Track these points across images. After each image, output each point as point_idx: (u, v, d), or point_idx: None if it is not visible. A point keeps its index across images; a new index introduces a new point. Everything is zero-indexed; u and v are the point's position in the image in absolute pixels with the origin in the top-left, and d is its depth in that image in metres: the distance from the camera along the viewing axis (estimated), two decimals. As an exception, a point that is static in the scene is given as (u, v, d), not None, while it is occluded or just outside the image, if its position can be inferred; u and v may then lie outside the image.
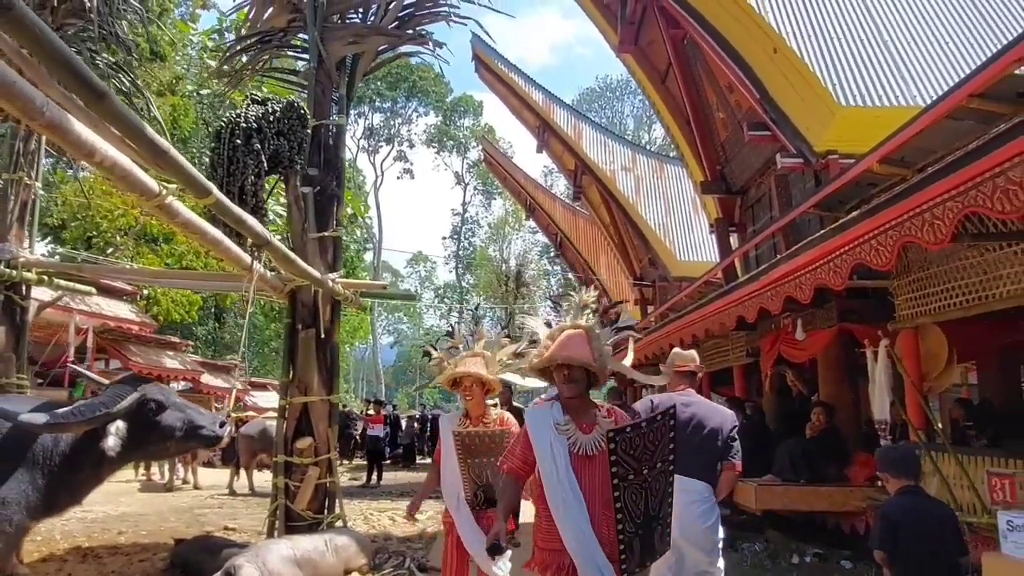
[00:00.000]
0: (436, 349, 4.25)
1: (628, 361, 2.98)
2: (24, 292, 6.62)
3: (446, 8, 7.26)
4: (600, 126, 21.80)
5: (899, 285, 5.77)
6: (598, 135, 19.27)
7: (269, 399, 24.17)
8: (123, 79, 7.08)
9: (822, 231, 4.97)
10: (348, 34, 7.03)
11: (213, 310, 26.41)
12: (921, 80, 7.83)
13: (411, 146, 47.41)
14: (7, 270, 6.31)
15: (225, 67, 7.62)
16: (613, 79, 48.97)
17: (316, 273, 5.80)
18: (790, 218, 7.46)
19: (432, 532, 8.18)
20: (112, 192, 17.56)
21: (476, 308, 35.43)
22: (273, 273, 5.88)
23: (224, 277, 6.84)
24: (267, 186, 5.76)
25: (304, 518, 6.19)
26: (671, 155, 20.47)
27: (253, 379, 25.21)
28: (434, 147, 47.77)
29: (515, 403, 8.80)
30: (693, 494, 3.87)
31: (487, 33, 9.69)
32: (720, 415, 4.17)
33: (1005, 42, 8.01)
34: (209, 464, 16.55)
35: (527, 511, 2.93)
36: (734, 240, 11.97)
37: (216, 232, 4.18)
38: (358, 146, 44.91)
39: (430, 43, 7.30)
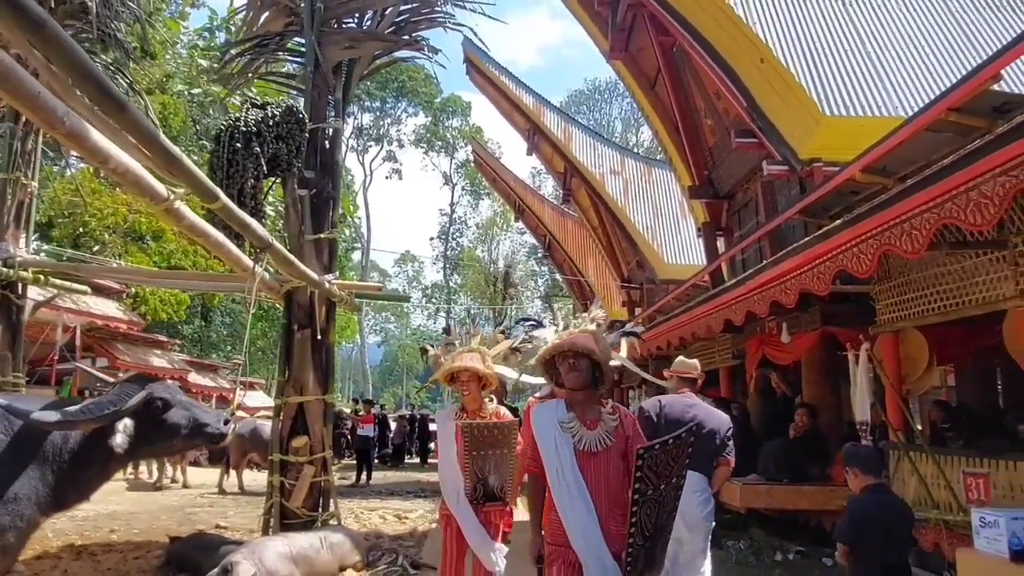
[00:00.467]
0: (432, 347, 4.35)
1: (623, 354, 3.14)
2: (20, 291, 6.67)
3: (442, 15, 7.38)
4: (589, 129, 21.99)
5: (880, 290, 5.95)
6: (587, 138, 19.46)
7: (256, 398, 24.13)
8: (120, 80, 7.13)
9: (806, 238, 5.15)
10: (345, 39, 7.13)
11: (199, 309, 26.30)
12: (903, 91, 8.05)
13: (400, 146, 47.42)
14: (4, 269, 6.35)
15: (224, 69, 7.68)
16: (602, 81, 49.20)
17: (314, 275, 5.90)
18: (775, 224, 7.65)
19: (423, 530, 8.29)
20: (101, 191, 17.50)
21: (469, 311, 35.56)
22: (270, 275, 5.97)
23: (222, 278, 6.92)
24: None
25: (299, 516, 6.28)
26: (659, 158, 20.68)
27: (240, 378, 25.11)
28: (422, 147, 47.79)
29: (508, 403, 8.91)
30: (693, 485, 4.14)
31: (479, 38, 9.83)
32: (718, 418, 4.53)
33: (985, 55, 8.28)
34: (195, 463, 16.54)
35: (522, 511, 3.04)
36: (721, 244, 12.17)
37: (219, 235, 4.28)
38: (347, 146, 44.89)
39: (426, 49, 7.42)
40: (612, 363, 3.07)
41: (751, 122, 8.38)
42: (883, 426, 6.13)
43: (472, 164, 36.34)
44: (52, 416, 3.11)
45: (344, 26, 7.41)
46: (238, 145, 5.36)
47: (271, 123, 5.58)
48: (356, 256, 43.70)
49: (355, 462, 15.39)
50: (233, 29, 19.95)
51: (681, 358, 4.96)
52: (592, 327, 2.97)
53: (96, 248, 16.98)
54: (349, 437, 16.14)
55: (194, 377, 18.94)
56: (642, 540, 2.61)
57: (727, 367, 10.00)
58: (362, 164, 46.60)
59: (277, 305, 8.07)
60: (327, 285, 6.25)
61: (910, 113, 6.74)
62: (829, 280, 4.72)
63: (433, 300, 51.47)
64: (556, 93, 79.19)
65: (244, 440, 12.39)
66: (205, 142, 21.89)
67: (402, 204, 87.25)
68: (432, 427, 22.33)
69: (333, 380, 6.94)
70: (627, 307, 20.20)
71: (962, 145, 4.48)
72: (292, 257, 5.19)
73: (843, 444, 7.36)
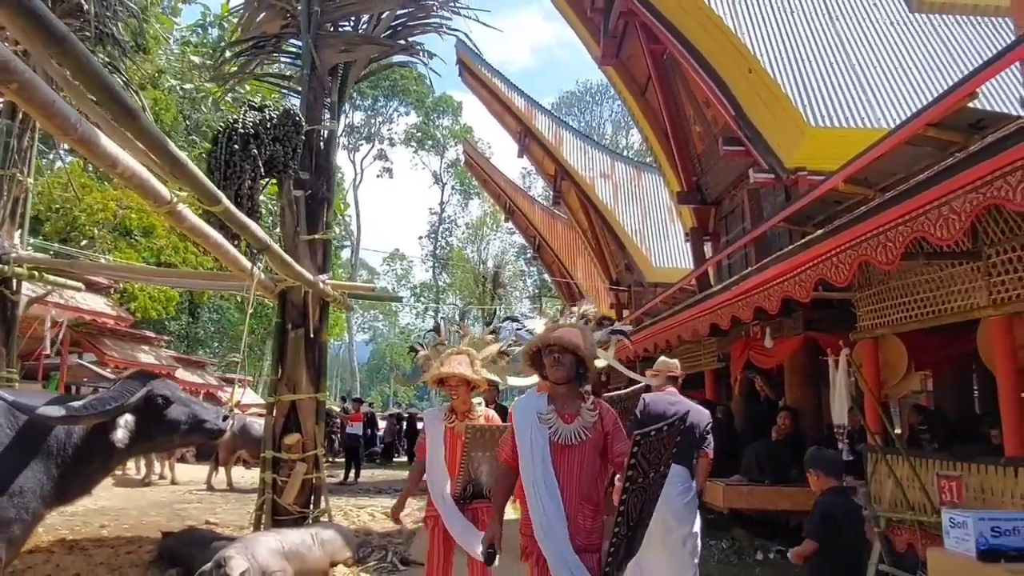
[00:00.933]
0: (422, 346, 4.34)
1: (610, 354, 3.22)
2: (15, 287, 6.71)
3: (437, 20, 7.49)
4: (580, 133, 22.17)
5: (861, 297, 6.12)
6: (578, 142, 19.64)
7: (246, 396, 24.09)
8: (117, 78, 7.19)
9: (789, 246, 5.31)
10: (341, 42, 7.22)
11: (187, 305, 26.23)
12: (887, 104, 8.27)
13: (391, 145, 47.38)
14: (-1, 265, 6.40)
15: (221, 69, 7.75)
16: (593, 83, 49.39)
17: (309, 275, 6.00)
18: (761, 231, 7.82)
19: (412, 528, 8.39)
20: (92, 185, 17.45)
21: (460, 308, 35.56)
22: (265, 274, 6.06)
23: (219, 277, 7.00)
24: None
25: (291, 512, 6.37)
26: (648, 162, 20.90)
27: (227, 375, 25.07)
28: (413, 146, 47.79)
29: (499, 403, 9.03)
30: (675, 477, 4.36)
31: (472, 41, 9.94)
32: (699, 413, 4.76)
33: (967, 70, 8.50)
34: (182, 460, 16.53)
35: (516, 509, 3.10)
36: (708, 249, 12.36)
37: (219, 236, 4.38)
38: (338, 143, 44.66)
39: (421, 54, 7.53)
40: (598, 363, 3.13)
41: (739, 130, 8.55)
42: (861, 430, 6.31)
43: (462, 164, 36.42)
44: (57, 411, 3.21)
45: (340, 29, 7.51)
46: (236, 147, 5.45)
47: (269, 125, 5.67)
48: (345, 254, 43.66)
49: (343, 460, 15.46)
50: (227, 26, 19.98)
51: (663, 358, 5.24)
52: (580, 323, 3.01)
53: (84, 243, 16.93)
54: (339, 435, 16.19)
55: (181, 373, 18.89)
56: (626, 529, 2.61)
57: (712, 370, 10.18)
58: (353, 162, 46.56)
59: (265, 302, 8.15)
60: (321, 285, 6.35)
61: (893, 125, 6.95)
62: (810, 288, 4.88)
63: (422, 299, 51.47)
64: (548, 94, 79.60)
65: (234, 437, 12.38)
66: (195, 137, 21.88)
67: (391, 202, 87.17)
68: (420, 426, 22.44)
69: (325, 378, 7.04)
70: (615, 309, 20.39)
71: (940, 159, 4.65)
72: (289, 258, 5.30)
73: (824, 446, 7.60)
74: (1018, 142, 2.84)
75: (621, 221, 18.03)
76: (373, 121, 46.61)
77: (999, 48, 6.56)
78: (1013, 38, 4.73)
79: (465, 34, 7.86)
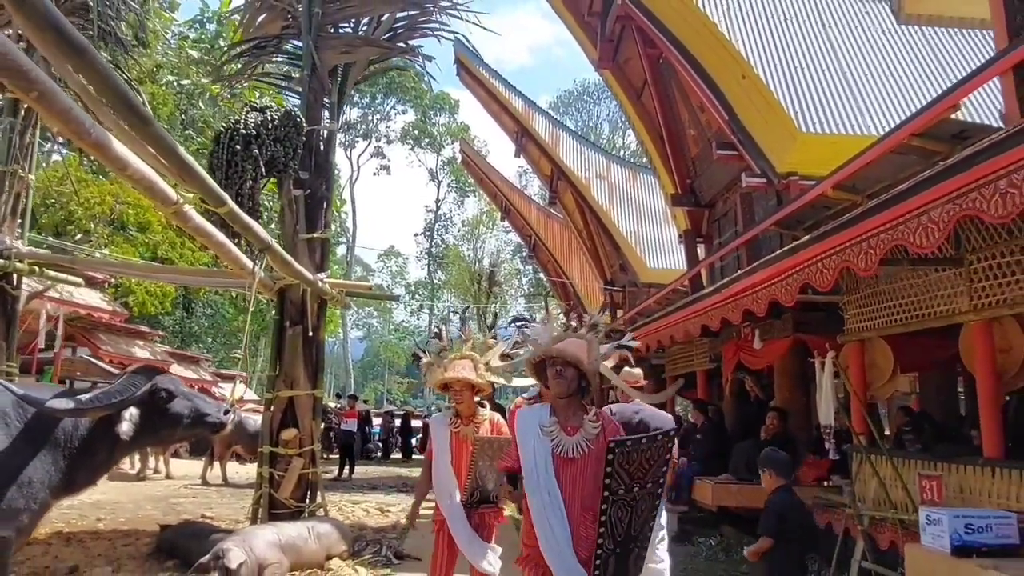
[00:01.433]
0: (423, 351, 4.33)
1: (610, 363, 3.15)
2: (15, 282, 6.80)
3: (437, 24, 7.61)
4: (576, 134, 22.31)
5: (848, 301, 6.27)
6: (574, 142, 19.77)
7: (237, 391, 24.09)
8: (119, 76, 7.27)
9: (777, 252, 5.44)
10: (341, 44, 7.33)
11: (181, 300, 26.24)
12: (876, 111, 8.42)
13: (388, 142, 47.41)
14: (0, 260, 6.48)
15: (222, 69, 7.85)
16: (590, 83, 49.46)
17: (308, 274, 6.11)
18: (752, 234, 7.97)
19: (405, 524, 8.50)
20: (88, 180, 17.48)
21: (464, 311, 35.53)
22: (265, 273, 6.16)
23: (219, 274, 7.09)
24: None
25: (287, 506, 6.49)
26: (644, 162, 21.04)
27: (221, 371, 25.12)
28: (409, 143, 47.82)
29: (497, 401, 9.14)
30: None
31: (470, 44, 10.04)
32: (662, 419, 4.83)
33: (955, 78, 8.66)
34: (175, 455, 16.60)
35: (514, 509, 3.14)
36: (701, 251, 12.51)
37: (221, 235, 4.49)
38: (337, 143, 44.58)
39: (420, 56, 7.63)
40: (606, 374, 3.11)
41: (732, 135, 8.69)
42: (847, 430, 6.45)
43: (458, 162, 36.51)
44: (66, 404, 3.32)
45: (340, 31, 7.61)
46: (238, 147, 5.55)
47: (270, 126, 5.78)
48: (340, 250, 43.70)
49: (337, 457, 15.56)
50: (224, 22, 20.02)
51: (626, 369, 5.21)
52: (589, 334, 2.95)
53: (78, 237, 16.96)
54: (335, 432, 16.28)
55: (176, 369, 18.86)
56: (612, 544, 2.58)
57: (704, 370, 10.33)
58: (349, 159, 46.59)
59: (260, 298, 8.23)
60: (320, 284, 6.45)
61: (883, 132, 7.09)
62: (795, 291, 5.01)
63: (416, 296, 51.52)
64: (545, 92, 79.41)
65: (229, 432, 12.50)
66: (191, 132, 21.92)
67: (387, 199, 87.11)
68: (415, 423, 22.55)
69: (323, 375, 7.15)
70: (609, 309, 20.54)
71: (925, 167, 4.80)
72: (289, 257, 5.40)
73: (812, 446, 7.78)
74: (991, 156, 2.97)
75: (616, 222, 18.17)
76: (370, 118, 46.62)
77: (987, 57, 6.73)
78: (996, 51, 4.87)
79: (464, 36, 7.95)
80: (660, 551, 4.44)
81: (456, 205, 49.89)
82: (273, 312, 6.62)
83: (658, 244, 18.59)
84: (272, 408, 6.69)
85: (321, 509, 6.90)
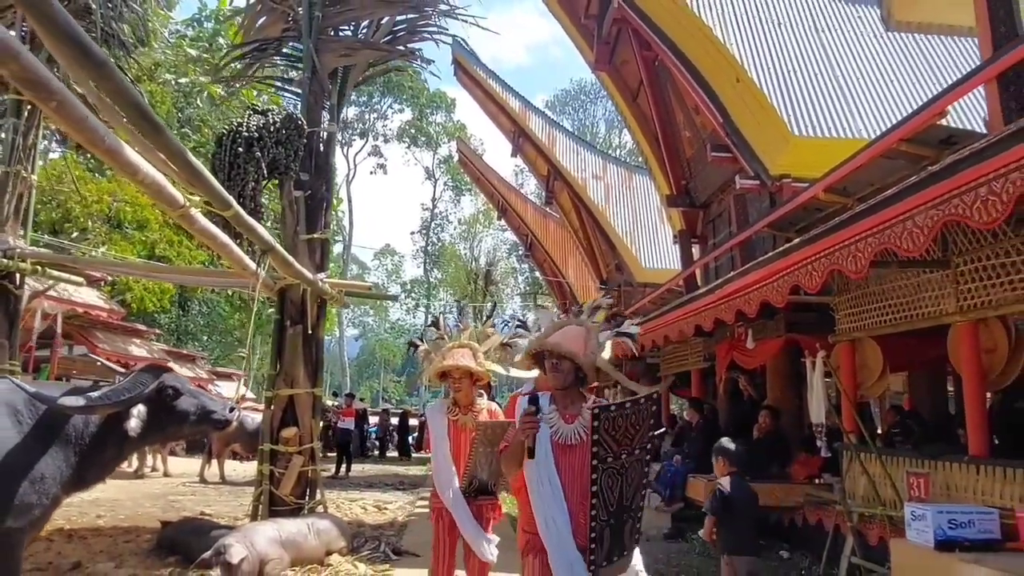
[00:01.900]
0: (419, 341, 4.29)
1: (606, 355, 3.06)
2: (18, 282, 6.87)
3: (436, 27, 7.69)
4: (573, 134, 22.42)
5: (839, 302, 6.40)
6: (571, 143, 19.89)
7: (234, 389, 24.13)
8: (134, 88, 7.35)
9: (768, 254, 5.56)
10: (341, 47, 7.41)
11: (177, 298, 26.26)
12: (868, 114, 8.55)
13: (385, 141, 47.42)
14: (3, 260, 6.56)
15: (225, 71, 7.93)
16: (587, 82, 49.54)
17: (309, 274, 6.20)
18: (745, 235, 8.09)
19: (403, 521, 8.61)
20: (86, 177, 17.51)
21: (459, 302, 35.46)
22: (266, 273, 6.25)
23: (222, 274, 7.18)
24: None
25: (287, 503, 6.58)
26: (639, 163, 21.16)
27: (217, 369, 25.15)
28: (406, 142, 47.83)
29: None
30: None
31: (468, 47, 10.13)
32: None
33: (944, 82, 8.80)
34: (172, 453, 16.66)
35: (512, 505, 3.14)
36: (696, 251, 12.63)
37: (225, 237, 4.58)
38: (336, 145, 44.50)
39: (419, 59, 7.72)
40: (603, 367, 3.02)
41: (726, 137, 8.81)
42: (837, 429, 6.58)
43: (455, 160, 36.56)
44: (78, 401, 3.41)
45: (340, 34, 7.69)
46: (240, 149, 5.63)
47: (272, 129, 5.86)
48: (336, 248, 43.69)
49: (335, 455, 15.64)
50: (223, 21, 20.03)
51: None
52: (588, 322, 2.92)
53: (75, 235, 16.99)
54: (333, 430, 16.37)
55: (173, 367, 18.93)
56: (605, 515, 2.59)
57: (699, 369, 10.46)
58: (346, 158, 46.59)
59: (258, 297, 8.29)
60: (320, 284, 6.55)
61: (874, 136, 7.22)
62: (786, 293, 5.13)
63: (412, 295, 51.57)
64: (542, 91, 79.60)
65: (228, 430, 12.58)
66: (187, 130, 21.94)
67: (383, 197, 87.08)
68: (412, 422, 22.61)
69: (322, 374, 7.24)
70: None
71: (914, 171, 4.93)
72: (291, 259, 5.49)
73: (804, 444, 7.90)
74: (972, 164, 3.09)
75: (612, 222, 18.30)
76: (367, 117, 46.62)
77: (975, 62, 6.87)
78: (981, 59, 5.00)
79: (462, 39, 8.05)
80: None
81: (452, 204, 49.96)
82: (270, 311, 6.69)
83: (653, 244, 18.73)
84: (273, 406, 6.77)
85: (321, 506, 6.99)
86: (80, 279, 7.93)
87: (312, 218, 7.03)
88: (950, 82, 7.50)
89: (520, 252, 36.67)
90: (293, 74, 8.31)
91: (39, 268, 6.92)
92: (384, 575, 5.92)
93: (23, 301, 7.09)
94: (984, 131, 5.70)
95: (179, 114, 22.23)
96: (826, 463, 7.15)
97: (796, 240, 4.88)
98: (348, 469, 14.97)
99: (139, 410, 3.70)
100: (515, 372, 4.16)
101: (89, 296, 15.11)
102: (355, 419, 16.68)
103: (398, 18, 7.65)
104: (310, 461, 6.82)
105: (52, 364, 13.89)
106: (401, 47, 7.61)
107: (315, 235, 6.99)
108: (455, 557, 3.87)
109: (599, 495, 2.56)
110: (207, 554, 5.20)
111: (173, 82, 20.07)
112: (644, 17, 9.61)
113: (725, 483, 4.60)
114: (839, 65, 9.21)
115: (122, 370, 4.07)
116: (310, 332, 6.83)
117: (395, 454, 21.11)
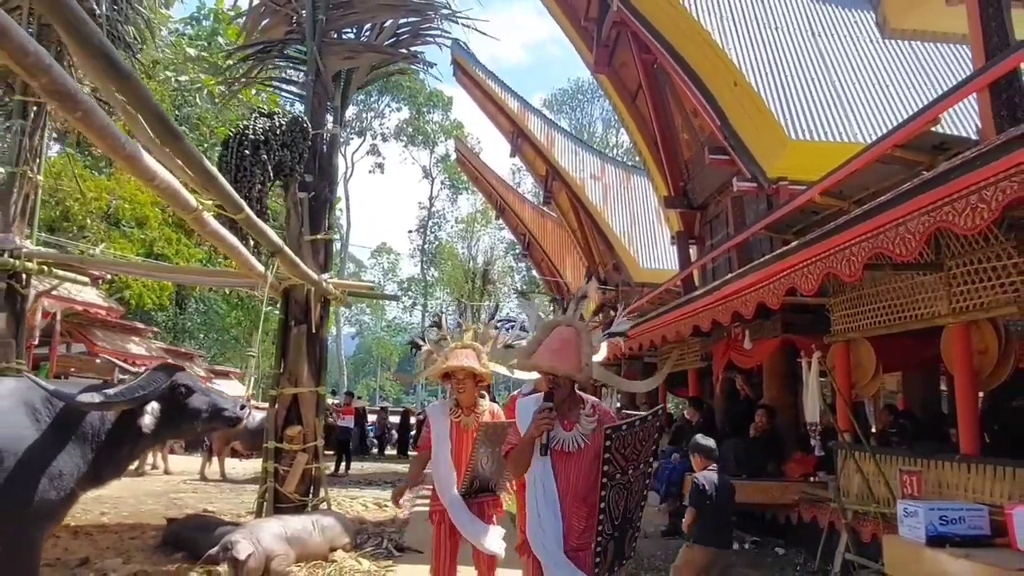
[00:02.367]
0: (422, 340, 4.27)
1: (600, 357, 3.10)
2: (25, 281, 6.95)
3: (438, 31, 7.79)
4: (571, 135, 22.51)
5: (834, 303, 6.52)
6: (569, 143, 19.99)
7: (232, 388, 24.18)
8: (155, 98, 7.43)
9: (766, 256, 5.68)
10: (344, 50, 7.50)
11: (175, 296, 26.26)
12: (864, 119, 8.67)
13: (383, 140, 47.42)
14: (10, 260, 6.64)
15: (229, 72, 8.01)
16: (585, 81, 49.52)
17: (314, 275, 6.30)
18: (743, 237, 8.20)
19: (405, 518, 8.70)
20: (86, 176, 17.54)
21: (460, 301, 35.49)
22: (273, 275, 6.35)
23: (228, 274, 7.27)
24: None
25: (291, 500, 6.67)
26: (637, 160, 21.26)
27: (215, 367, 25.18)
28: (403, 140, 47.84)
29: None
30: None
31: (466, 45, 10.22)
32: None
33: (940, 88, 8.93)
34: (171, 451, 16.70)
35: (512, 504, 3.21)
36: (693, 252, 12.74)
37: (234, 239, 4.67)
38: (340, 146, 44.43)
39: (421, 63, 7.82)
40: (599, 376, 3.07)
41: (723, 140, 8.91)
42: (832, 428, 6.69)
43: (452, 159, 36.60)
44: (95, 398, 3.51)
45: (344, 37, 7.78)
46: (247, 152, 5.71)
47: (278, 132, 5.95)
48: (334, 246, 43.67)
49: (334, 453, 15.71)
50: (221, 19, 20.05)
51: None
52: (576, 322, 2.89)
53: (73, 233, 17.01)
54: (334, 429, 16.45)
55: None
56: (611, 529, 2.62)
57: (696, 369, 10.58)
58: (344, 156, 46.60)
59: (255, 296, 8.39)
60: (324, 284, 6.64)
61: (870, 139, 7.34)
62: (782, 295, 5.24)
63: (409, 293, 51.58)
64: (540, 90, 79.58)
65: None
66: (185, 128, 21.94)
67: (380, 195, 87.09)
68: (413, 421, 22.68)
69: (326, 373, 7.33)
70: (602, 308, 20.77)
71: (908, 176, 5.05)
72: (298, 260, 5.59)
73: (799, 443, 8.03)
74: (963, 173, 3.21)
75: (610, 222, 18.40)
76: (365, 115, 46.61)
77: (969, 67, 6.98)
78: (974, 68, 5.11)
79: (464, 43, 8.15)
80: None
81: (450, 202, 49.98)
82: (268, 309, 6.78)
83: (651, 244, 18.83)
84: (277, 405, 6.87)
85: (324, 503, 7.09)
86: (86, 279, 8.01)
87: (316, 219, 7.12)
88: (944, 88, 7.64)
89: (518, 251, 36.75)
90: (291, 73, 8.39)
91: (45, 268, 6.99)
92: (387, 571, 6.02)
93: (29, 300, 7.16)
94: (976, 136, 5.83)
95: (176, 112, 22.24)
96: (821, 461, 7.28)
97: (793, 243, 4.99)
98: (348, 467, 15.05)
99: (153, 407, 3.80)
100: (519, 374, 4.19)
101: (88, 294, 15.16)
102: (355, 417, 16.75)
103: (401, 21, 7.74)
104: (314, 459, 6.92)
105: (51, 362, 13.95)
106: (404, 50, 7.70)
107: (319, 236, 7.09)
108: (456, 560, 3.87)
109: (606, 511, 2.59)
110: (214, 550, 5.29)
111: (173, 80, 20.09)
112: (643, 21, 9.71)
113: (701, 477, 4.80)
114: (836, 70, 9.32)
115: (127, 367, 4.12)
116: (314, 331, 6.92)
117: (394, 452, 21.22)
